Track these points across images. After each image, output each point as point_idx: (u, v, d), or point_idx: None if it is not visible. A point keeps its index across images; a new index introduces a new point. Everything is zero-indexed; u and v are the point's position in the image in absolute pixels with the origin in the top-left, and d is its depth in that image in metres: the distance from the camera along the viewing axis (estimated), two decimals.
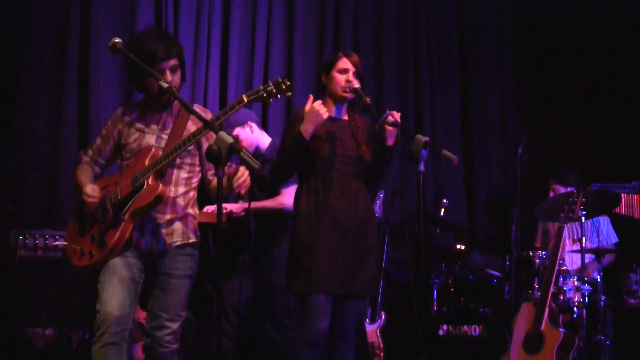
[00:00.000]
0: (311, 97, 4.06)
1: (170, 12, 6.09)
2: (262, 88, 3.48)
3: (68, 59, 5.75)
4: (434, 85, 7.42)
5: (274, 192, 5.17)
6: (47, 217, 5.57)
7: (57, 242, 5.10)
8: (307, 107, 3.98)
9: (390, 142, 4.06)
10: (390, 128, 4.03)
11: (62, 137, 5.67)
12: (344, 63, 4.11)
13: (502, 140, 7.67)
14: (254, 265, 5.30)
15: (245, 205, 5.19)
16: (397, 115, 3.97)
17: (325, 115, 3.94)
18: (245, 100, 3.48)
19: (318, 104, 3.94)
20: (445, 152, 3.82)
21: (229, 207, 5.14)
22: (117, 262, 3.67)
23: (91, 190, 3.70)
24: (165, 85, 3.41)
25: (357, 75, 4.12)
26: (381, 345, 5.97)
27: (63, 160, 5.62)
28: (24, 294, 5.05)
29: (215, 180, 3.63)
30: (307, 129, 3.93)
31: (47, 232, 5.18)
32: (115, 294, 3.62)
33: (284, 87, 3.46)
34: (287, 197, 5.05)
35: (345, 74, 4.09)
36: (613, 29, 7.62)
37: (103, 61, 5.83)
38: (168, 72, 3.69)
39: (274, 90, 3.46)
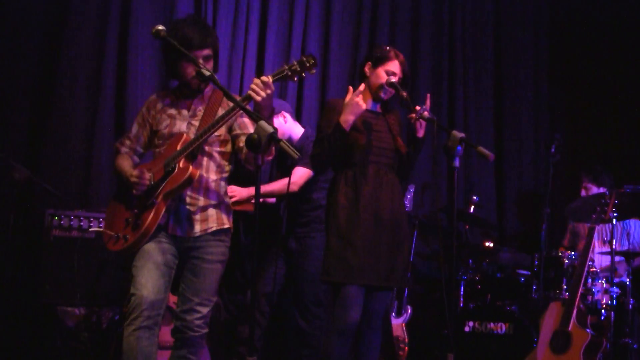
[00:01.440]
0: (351, 88, 4.08)
1: (210, 3, 6.13)
2: (287, 67, 3.49)
3: (108, 45, 5.79)
4: (467, 82, 7.43)
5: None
6: (82, 198, 5.62)
7: (93, 229, 5.15)
8: (348, 98, 4.00)
9: (420, 133, 4.12)
10: (419, 122, 4.07)
11: (100, 121, 5.70)
12: (394, 66, 4.15)
13: (534, 138, 7.67)
14: (286, 254, 5.33)
15: (252, 190, 5.19)
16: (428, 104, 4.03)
17: (364, 106, 3.97)
18: (271, 79, 3.49)
19: (357, 96, 3.96)
20: (481, 148, 3.83)
21: (237, 193, 5.15)
22: (152, 247, 3.72)
23: (147, 173, 3.75)
24: (207, 73, 3.43)
25: (402, 79, 4.16)
26: (406, 339, 5.98)
27: (99, 143, 5.67)
28: (57, 273, 5.10)
29: None
30: (347, 119, 3.96)
31: (81, 213, 5.23)
32: (150, 278, 3.67)
33: (308, 65, 3.46)
34: (293, 178, 5.08)
35: (392, 76, 4.12)
36: None
37: (142, 47, 5.87)
38: (201, 61, 3.72)
39: (298, 69, 3.47)
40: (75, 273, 5.08)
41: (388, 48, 4.26)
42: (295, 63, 3.47)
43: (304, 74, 3.49)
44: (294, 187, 5.11)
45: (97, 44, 5.80)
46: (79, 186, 5.66)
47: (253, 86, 3.48)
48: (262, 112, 3.53)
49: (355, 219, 4.01)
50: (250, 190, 5.17)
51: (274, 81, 3.50)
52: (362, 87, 4.05)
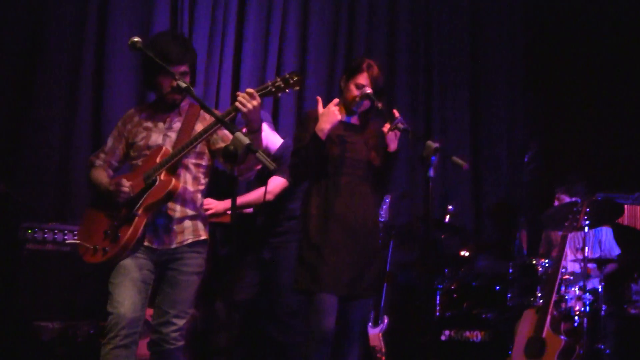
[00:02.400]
0: (320, 99, 4.13)
1: (185, 13, 6.12)
2: (270, 83, 3.51)
3: (84, 58, 5.78)
4: (444, 91, 7.49)
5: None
6: (57, 211, 5.60)
7: (69, 241, 5.13)
8: (319, 109, 4.04)
9: (392, 147, 4.12)
10: (393, 134, 4.10)
11: (76, 133, 5.69)
12: (363, 79, 4.13)
13: (509, 147, 7.74)
14: (260, 264, 5.34)
15: (229, 203, 5.22)
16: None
17: (339, 116, 4.00)
18: (256, 92, 3.51)
19: (334, 106, 4.00)
20: (455, 158, 3.86)
21: (213, 206, 5.16)
22: (128, 263, 3.71)
23: (123, 181, 3.73)
24: (183, 85, 3.45)
25: (374, 90, 4.17)
26: (383, 349, 6.00)
27: (75, 155, 5.65)
28: (33, 287, 5.07)
29: None
30: (323, 128, 3.98)
31: (56, 225, 5.21)
32: (127, 296, 3.66)
33: (292, 81, 3.48)
34: (269, 187, 5.11)
35: (360, 89, 4.14)
36: (623, 38, 7.66)
37: (119, 59, 5.85)
38: (177, 76, 3.74)
39: (282, 85, 3.49)
40: (51, 287, 5.05)
41: (362, 59, 4.28)
42: (279, 80, 3.50)
43: (287, 91, 3.51)
44: (270, 196, 5.13)
45: (73, 58, 5.79)
46: (55, 199, 5.64)
47: (240, 98, 3.49)
48: (252, 125, 3.56)
49: (324, 228, 4.03)
50: (226, 203, 5.17)
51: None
52: (335, 100, 4.08)
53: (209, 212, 4.99)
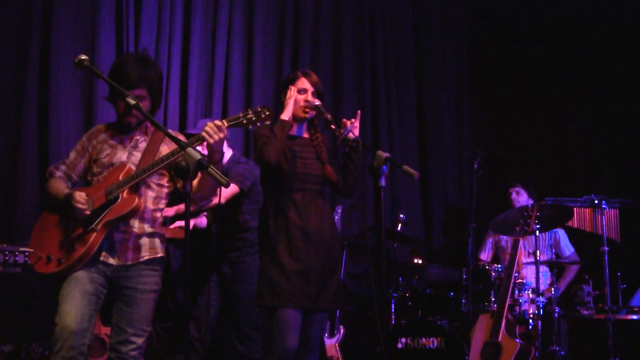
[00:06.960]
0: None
1: (131, 31, 6.05)
2: (242, 115, 3.57)
3: (29, 74, 5.66)
4: (390, 101, 7.52)
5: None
6: (5, 232, 5.51)
7: (21, 249, 5.04)
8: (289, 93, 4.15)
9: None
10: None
11: (22, 154, 5.58)
12: (303, 83, 4.20)
13: (457, 155, 7.81)
14: (220, 279, 5.32)
15: (178, 208, 5.23)
16: (356, 126, 4.11)
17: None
18: (226, 125, 3.55)
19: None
20: (406, 167, 3.90)
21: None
22: (80, 275, 3.68)
23: (79, 196, 3.69)
24: (132, 102, 3.44)
25: (316, 94, 4.21)
26: (340, 359, 6.02)
27: (22, 176, 5.55)
28: None
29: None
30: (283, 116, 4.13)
31: (6, 247, 5.13)
32: (74, 307, 3.62)
33: (263, 115, 3.56)
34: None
35: (304, 93, 4.18)
36: (565, 48, 7.81)
37: (64, 78, 5.76)
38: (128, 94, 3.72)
39: (254, 118, 3.56)
40: (1, 309, 4.97)
41: (294, 72, 4.35)
42: (251, 112, 3.56)
43: (258, 124, 3.57)
44: (221, 200, 5.12)
45: (16, 79, 5.68)
46: (3, 220, 5.55)
47: (207, 129, 3.53)
48: (214, 155, 3.59)
49: (285, 244, 4.04)
50: (176, 208, 5.17)
51: (228, 127, 3.56)
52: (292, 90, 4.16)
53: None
